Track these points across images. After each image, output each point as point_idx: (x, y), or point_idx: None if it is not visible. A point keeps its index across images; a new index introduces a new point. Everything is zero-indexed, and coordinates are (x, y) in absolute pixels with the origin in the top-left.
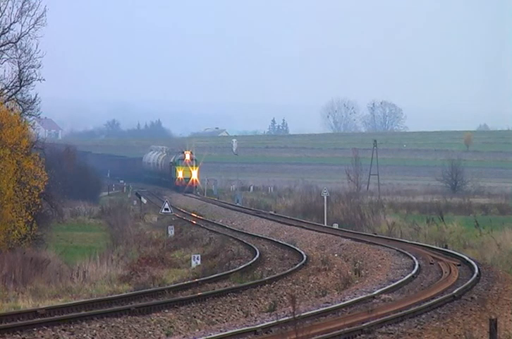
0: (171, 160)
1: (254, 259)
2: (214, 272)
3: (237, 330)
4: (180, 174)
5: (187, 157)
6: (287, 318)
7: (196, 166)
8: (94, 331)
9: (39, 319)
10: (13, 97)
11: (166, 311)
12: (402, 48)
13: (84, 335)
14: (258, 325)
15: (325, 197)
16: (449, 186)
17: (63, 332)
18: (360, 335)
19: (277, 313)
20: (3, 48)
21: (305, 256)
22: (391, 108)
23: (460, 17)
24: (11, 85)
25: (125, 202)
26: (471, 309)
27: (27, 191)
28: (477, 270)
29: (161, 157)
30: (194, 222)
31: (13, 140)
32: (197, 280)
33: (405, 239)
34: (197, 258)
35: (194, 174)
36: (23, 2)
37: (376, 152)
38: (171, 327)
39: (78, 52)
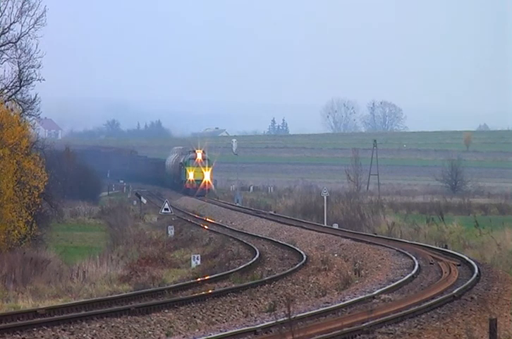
0: (181, 161)
1: (254, 259)
2: (213, 273)
3: (237, 330)
4: (190, 176)
5: (199, 156)
6: (284, 318)
7: (209, 166)
8: (94, 331)
9: (39, 319)
10: (13, 97)
11: (166, 311)
12: (402, 48)
13: (84, 335)
14: (258, 326)
15: (325, 197)
16: (449, 186)
17: (63, 332)
18: (359, 335)
19: (277, 313)
20: (3, 48)
21: (304, 256)
22: (391, 108)
23: (460, 17)
24: (11, 85)
25: (125, 202)
26: (471, 309)
27: (27, 191)
28: (476, 270)
29: (174, 159)
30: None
31: (13, 140)
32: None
33: (405, 239)
34: (197, 258)
35: (207, 176)
36: (23, 2)
37: (376, 152)
38: (170, 327)
39: (78, 52)
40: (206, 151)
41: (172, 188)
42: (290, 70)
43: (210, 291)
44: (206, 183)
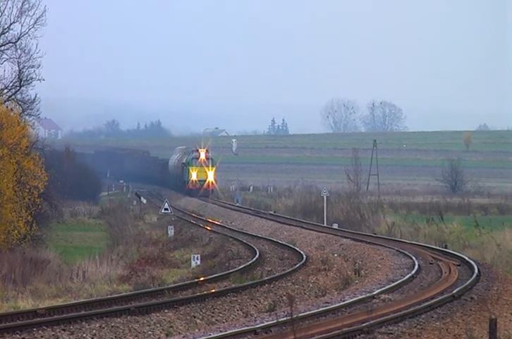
0: (184, 160)
1: (254, 259)
2: (213, 272)
3: (237, 330)
4: (193, 176)
5: (202, 155)
6: (286, 318)
7: (213, 166)
8: (94, 331)
9: (38, 319)
10: (13, 97)
11: (166, 311)
12: (402, 48)
13: (84, 335)
14: (258, 325)
15: (325, 197)
16: (449, 186)
17: (62, 332)
18: (359, 335)
19: (277, 313)
20: (3, 48)
21: (304, 256)
22: (391, 108)
23: (459, 16)
24: (11, 85)
25: (124, 202)
26: (471, 309)
27: (27, 191)
28: (476, 270)
29: (177, 159)
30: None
31: (13, 140)
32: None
33: (405, 239)
34: (197, 258)
35: (211, 176)
36: (23, 2)
37: (376, 152)
38: (170, 327)
39: (78, 52)
40: (209, 150)
41: (175, 189)
42: (290, 70)
43: (210, 291)
44: (210, 184)
